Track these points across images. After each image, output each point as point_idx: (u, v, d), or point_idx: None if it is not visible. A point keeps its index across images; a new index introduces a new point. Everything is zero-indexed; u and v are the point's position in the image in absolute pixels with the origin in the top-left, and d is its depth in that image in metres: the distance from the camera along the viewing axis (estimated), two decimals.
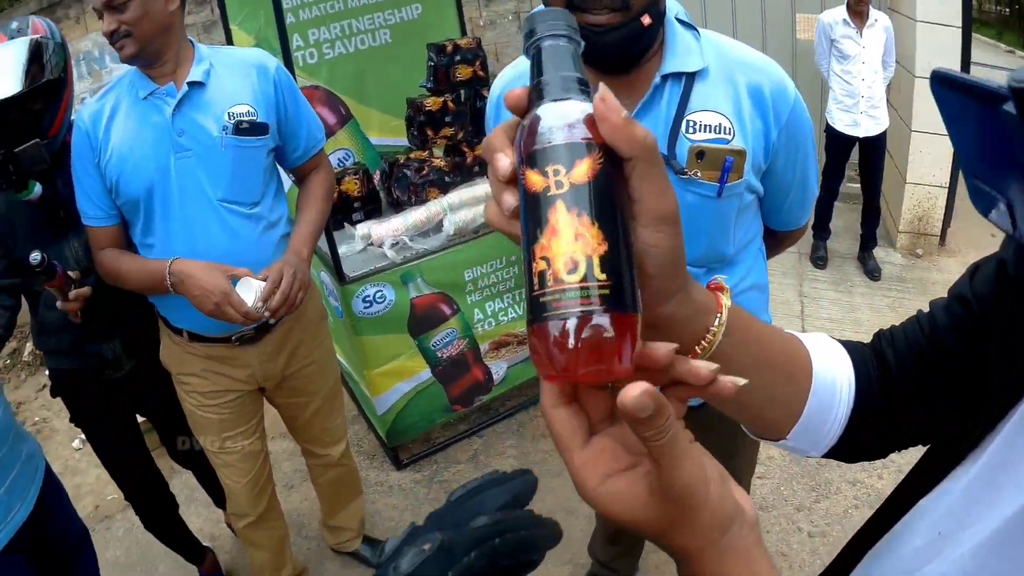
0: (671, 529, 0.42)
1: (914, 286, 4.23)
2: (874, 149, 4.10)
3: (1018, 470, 0.47)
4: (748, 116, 1.27)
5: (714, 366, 0.43)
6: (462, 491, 0.50)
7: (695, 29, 1.31)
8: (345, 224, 2.86)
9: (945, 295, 0.66)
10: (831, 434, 0.64)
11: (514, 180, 0.42)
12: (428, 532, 0.46)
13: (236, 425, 2.01)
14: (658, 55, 1.27)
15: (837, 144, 4.16)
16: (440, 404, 2.95)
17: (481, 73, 3.04)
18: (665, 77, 1.25)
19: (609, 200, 0.39)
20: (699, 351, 0.53)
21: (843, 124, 4.07)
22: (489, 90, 3.03)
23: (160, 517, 2.35)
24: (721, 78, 1.27)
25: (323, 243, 2.46)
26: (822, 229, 4.45)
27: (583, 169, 0.39)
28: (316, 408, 2.16)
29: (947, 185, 4.39)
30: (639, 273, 0.42)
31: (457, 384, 2.95)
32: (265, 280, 1.68)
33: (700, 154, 1.26)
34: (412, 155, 2.89)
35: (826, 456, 0.68)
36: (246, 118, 1.70)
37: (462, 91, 3.02)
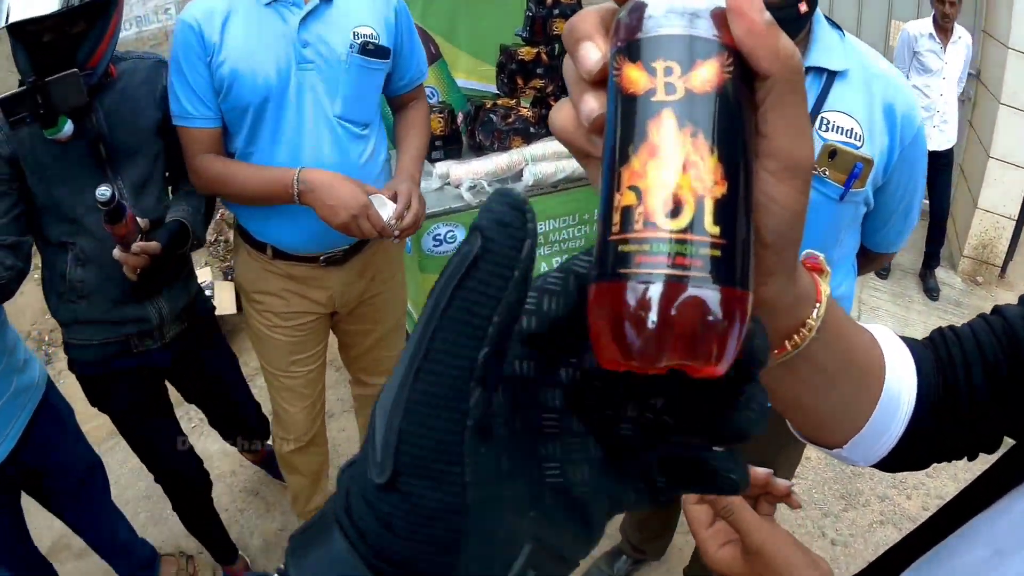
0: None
1: (970, 313, 4.17)
2: (941, 163, 4.06)
3: None
4: (878, 129, 1.28)
5: (790, 484, 0.59)
6: None
7: (840, 29, 1.32)
8: (424, 161, 2.86)
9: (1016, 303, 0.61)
10: (885, 447, 0.59)
11: (602, 80, 0.31)
12: None
13: (305, 349, 2.00)
14: (802, 45, 1.26)
15: None
16: None
17: None
18: (807, 69, 1.24)
19: (737, 125, 0.28)
20: (789, 347, 0.45)
21: None
22: None
23: (191, 499, 2.18)
24: (860, 84, 1.28)
25: None
26: None
27: (707, 74, 0.28)
28: (378, 337, 2.17)
29: (1016, 217, 4.32)
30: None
31: None
32: (392, 199, 1.68)
33: (833, 153, 1.27)
34: (500, 102, 2.89)
35: (873, 466, 0.64)
36: (371, 40, 1.70)
37: (556, 45, 3.00)
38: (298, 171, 1.63)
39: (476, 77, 3.38)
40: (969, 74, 4.25)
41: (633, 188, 0.27)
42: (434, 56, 3.33)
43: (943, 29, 3.91)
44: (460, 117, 2.96)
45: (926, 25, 3.99)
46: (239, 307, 3.52)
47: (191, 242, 1.72)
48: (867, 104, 1.27)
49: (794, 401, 0.52)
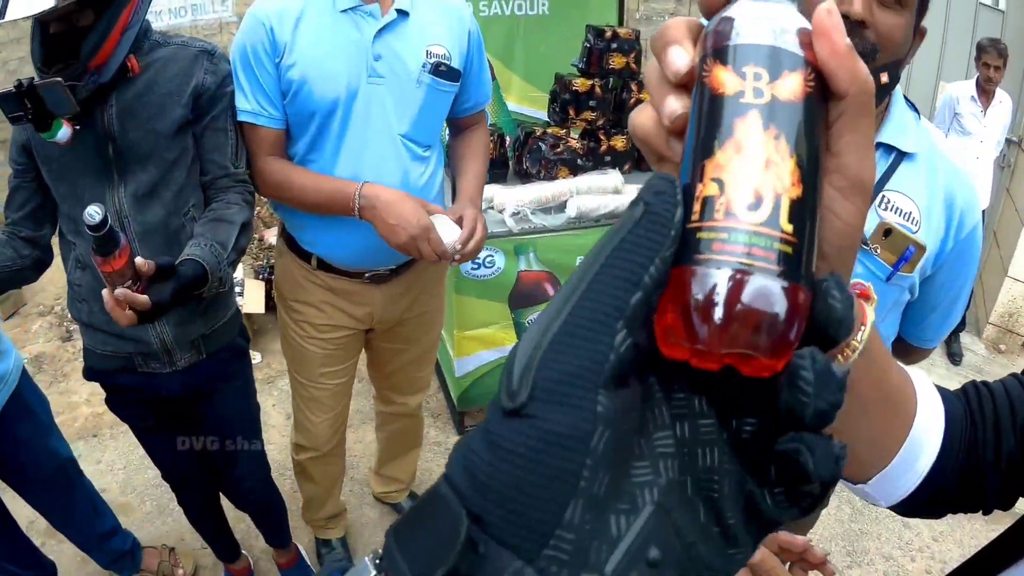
0: None
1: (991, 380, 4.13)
2: None
3: None
4: (936, 218, 1.26)
5: (827, 553, 0.55)
6: None
7: (916, 110, 1.31)
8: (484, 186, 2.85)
9: None
10: (906, 488, 0.60)
11: (686, 83, 0.33)
12: None
13: (337, 362, 1.97)
14: (878, 120, 1.25)
15: None
16: None
17: (635, 66, 3.00)
18: (877, 144, 1.22)
19: (813, 136, 0.30)
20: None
21: None
22: (639, 84, 3.02)
23: (200, 496, 2.09)
24: (925, 169, 1.26)
25: None
26: None
27: (792, 84, 0.30)
28: (412, 358, 2.13)
29: None
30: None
31: None
32: (457, 223, 1.65)
33: (888, 231, 1.25)
34: (549, 130, 2.87)
35: (889, 507, 0.65)
36: (444, 61, 1.68)
37: (611, 78, 2.99)
38: (361, 185, 1.60)
39: (527, 103, 3.37)
40: (1009, 140, 4.23)
41: (716, 180, 0.29)
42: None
43: (985, 92, 3.92)
44: (508, 141, 2.95)
45: (969, 87, 3.99)
46: (267, 306, 3.50)
47: (211, 285, 1.42)
48: (930, 191, 1.26)
49: None
